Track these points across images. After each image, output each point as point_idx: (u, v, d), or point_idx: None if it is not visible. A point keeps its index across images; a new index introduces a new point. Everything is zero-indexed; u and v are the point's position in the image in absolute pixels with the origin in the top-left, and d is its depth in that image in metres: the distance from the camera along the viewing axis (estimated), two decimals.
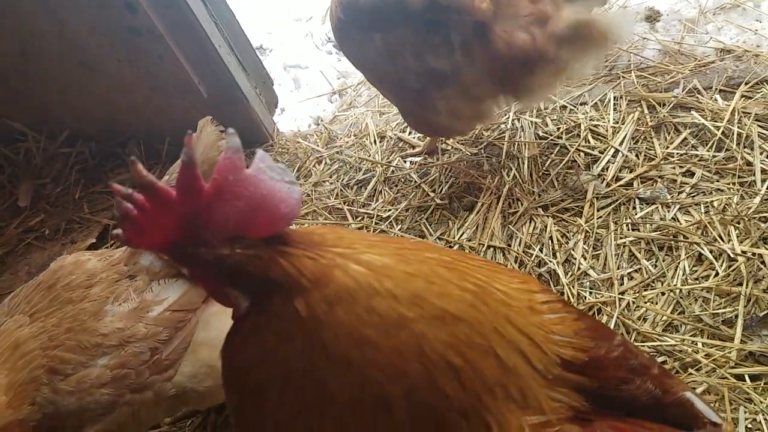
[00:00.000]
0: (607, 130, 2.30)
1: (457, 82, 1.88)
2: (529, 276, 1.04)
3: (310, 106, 2.95)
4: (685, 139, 2.19)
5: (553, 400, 0.80)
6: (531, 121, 2.42)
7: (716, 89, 2.29)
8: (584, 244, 2.01)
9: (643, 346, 1.72)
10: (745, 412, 1.56)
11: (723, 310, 1.75)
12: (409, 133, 2.55)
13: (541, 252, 2.03)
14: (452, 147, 2.46)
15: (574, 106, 2.43)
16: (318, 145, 2.65)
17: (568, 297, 1.89)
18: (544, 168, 2.26)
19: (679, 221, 1.99)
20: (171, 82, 2.37)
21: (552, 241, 2.05)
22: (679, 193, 2.06)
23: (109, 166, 2.74)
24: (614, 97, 2.39)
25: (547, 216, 2.12)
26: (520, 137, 2.38)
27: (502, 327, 0.79)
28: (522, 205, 2.16)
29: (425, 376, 0.73)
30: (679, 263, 1.89)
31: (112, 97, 2.54)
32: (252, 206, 0.76)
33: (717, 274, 1.82)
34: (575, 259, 1.98)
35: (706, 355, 1.66)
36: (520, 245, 2.06)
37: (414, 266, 0.79)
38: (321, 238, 0.80)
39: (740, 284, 1.77)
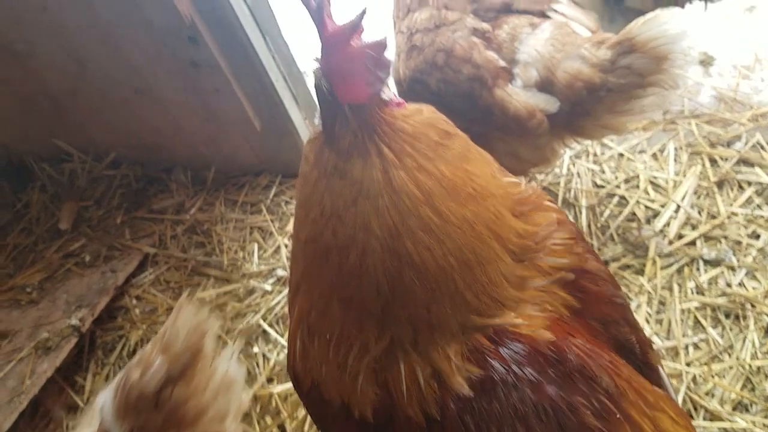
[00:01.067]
0: (667, 183, 2.25)
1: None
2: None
3: None
4: (750, 197, 2.14)
5: (538, 291, 0.90)
6: (588, 168, 2.37)
7: None
8: (647, 306, 1.96)
9: (712, 426, 1.66)
10: None
11: None
12: None
13: None
14: None
15: (632, 154, 2.38)
16: None
17: None
18: (602, 219, 2.21)
19: (745, 287, 1.94)
20: (225, 114, 2.33)
21: None
22: (745, 256, 2.01)
23: (153, 191, 2.70)
24: (674, 148, 2.34)
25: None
26: (576, 184, 2.33)
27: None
28: None
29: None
30: (747, 334, 1.84)
31: (161, 124, 2.50)
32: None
33: None
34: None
35: None
36: None
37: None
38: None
39: None
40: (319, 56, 0.91)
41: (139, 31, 2.09)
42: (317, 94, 0.94)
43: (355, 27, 0.86)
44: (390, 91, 0.94)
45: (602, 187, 2.30)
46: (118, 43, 2.16)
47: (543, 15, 1.86)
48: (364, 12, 0.87)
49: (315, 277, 0.96)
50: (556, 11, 1.86)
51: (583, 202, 2.26)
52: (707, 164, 2.26)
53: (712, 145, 2.31)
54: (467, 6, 1.89)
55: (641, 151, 2.39)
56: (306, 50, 3.27)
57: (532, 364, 0.82)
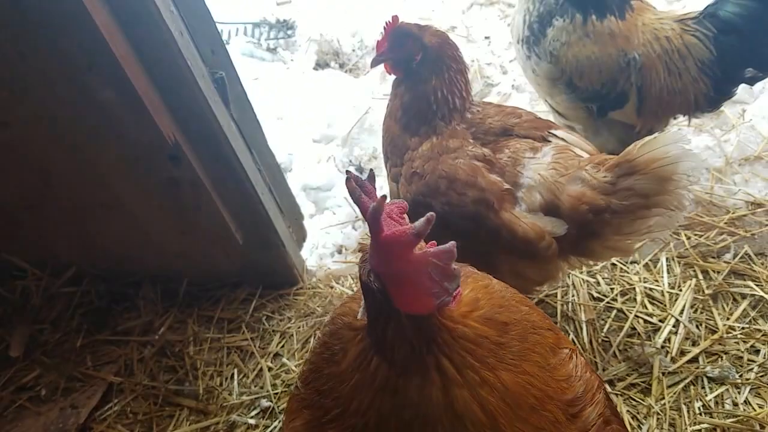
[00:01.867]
0: (663, 295, 2.23)
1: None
2: None
3: (333, 232, 2.81)
4: (745, 310, 2.14)
5: None
6: (583, 279, 2.33)
7: None
8: (658, 429, 1.88)
9: None
10: None
11: None
12: None
13: None
14: None
15: (625, 264, 2.37)
16: (353, 289, 2.47)
17: None
18: (603, 334, 2.15)
19: (752, 406, 1.90)
20: (205, 228, 2.18)
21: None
22: (748, 371, 1.99)
23: (117, 309, 2.47)
24: (666, 259, 2.34)
25: (616, 394, 1.98)
26: (573, 296, 2.29)
27: None
28: None
29: None
30: None
31: (131, 237, 2.32)
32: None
33: None
34: None
35: None
36: None
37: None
38: None
39: None
40: (371, 254, 0.82)
41: (111, 147, 1.95)
42: (364, 289, 0.84)
43: (420, 233, 0.79)
44: (447, 295, 0.84)
45: (599, 300, 2.26)
46: (88, 158, 2.00)
47: (543, 139, 1.85)
48: (431, 219, 0.80)
49: None
50: (555, 135, 1.86)
51: (582, 316, 2.21)
52: (700, 276, 2.26)
53: (704, 257, 2.33)
54: (467, 132, 1.87)
55: (633, 262, 2.38)
56: (283, 140, 3.20)
57: None
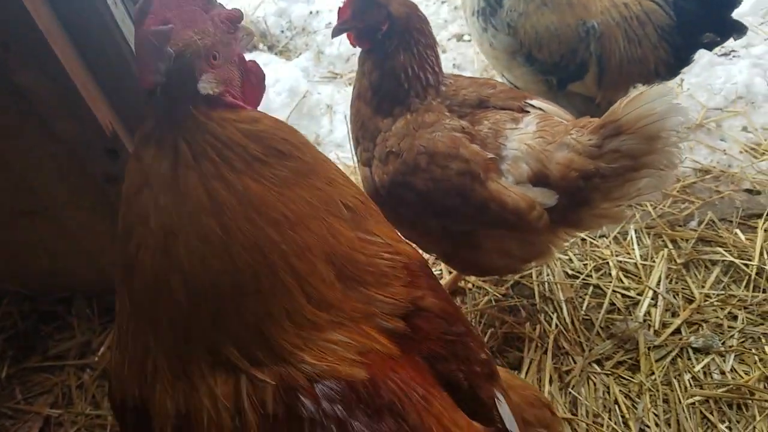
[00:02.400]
0: (637, 267, 2.19)
1: None
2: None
3: None
4: (717, 277, 2.14)
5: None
6: (555, 257, 2.26)
7: (735, 223, 2.29)
8: (653, 408, 1.84)
9: None
10: None
11: None
12: None
13: (611, 420, 1.82)
14: (475, 286, 2.22)
15: (594, 239, 2.32)
16: None
17: None
18: (583, 312, 2.09)
19: (738, 374, 1.89)
20: None
21: (619, 406, 1.85)
22: (729, 338, 1.98)
23: (47, 330, 2.14)
24: (635, 231, 2.31)
25: (606, 374, 1.92)
26: (548, 275, 2.21)
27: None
28: (575, 362, 1.96)
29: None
30: (756, 425, 1.77)
31: (59, 246, 2.01)
32: None
33: None
34: (649, 427, 1.79)
35: None
36: (587, 415, 1.84)
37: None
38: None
39: None
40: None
41: (34, 142, 1.65)
42: None
43: (143, 10, 0.83)
44: (216, 86, 0.89)
45: (575, 277, 2.20)
46: (4, 158, 1.69)
47: (521, 110, 1.74)
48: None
49: (117, 261, 0.92)
50: (533, 106, 1.75)
51: (561, 295, 2.13)
52: (670, 245, 2.25)
53: (671, 226, 2.32)
54: (442, 106, 1.73)
55: (602, 236, 2.33)
56: None
57: (344, 401, 0.82)
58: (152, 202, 0.84)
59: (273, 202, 0.85)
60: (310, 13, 3.79)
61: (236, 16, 0.94)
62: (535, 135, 1.62)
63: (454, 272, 2.15)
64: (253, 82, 0.99)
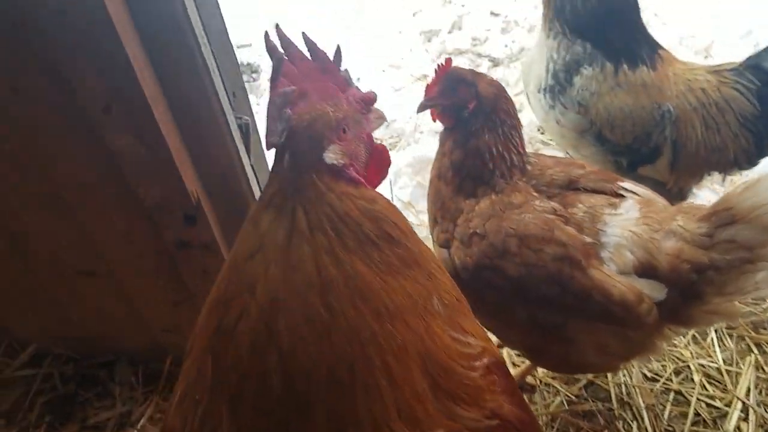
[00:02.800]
0: (721, 374, 2.02)
1: None
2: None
3: None
4: None
5: None
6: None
7: None
8: None
9: None
10: None
11: None
12: None
13: None
14: (542, 382, 2.05)
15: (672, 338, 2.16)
16: None
17: None
18: (665, 423, 1.90)
19: None
20: (206, 297, 1.82)
21: None
22: None
23: (87, 396, 2.02)
24: (715, 331, 2.15)
25: None
26: (624, 376, 2.04)
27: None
28: None
29: None
30: None
31: (111, 308, 1.93)
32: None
33: None
34: None
35: None
36: None
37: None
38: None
39: None
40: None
41: (114, 205, 1.59)
42: None
43: (276, 73, 0.86)
44: (341, 158, 0.88)
45: (654, 380, 2.02)
46: (80, 218, 1.63)
47: (615, 194, 1.65)
48: (280, 60, 0.87)
49: (202, 327, 0.88)
50: (627, 189, 1.66)
51: (640, 401, 1.96)
52: (755, 351, 2.08)
53: (755, 328, 2.15)
54: (528, 186, 1.65)
55: (680, 335, 2.17)
56: None
57: None
58: (263, 269, 0.80)
59: (377, 290, 0.82)
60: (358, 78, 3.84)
61: (371, 98, 0.95)
62: (639, 222, 1.52)
63: (525, 364, 2.00)
64: (378, 163, 0.98)
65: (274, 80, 0.86)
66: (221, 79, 1.44)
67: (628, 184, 1.68)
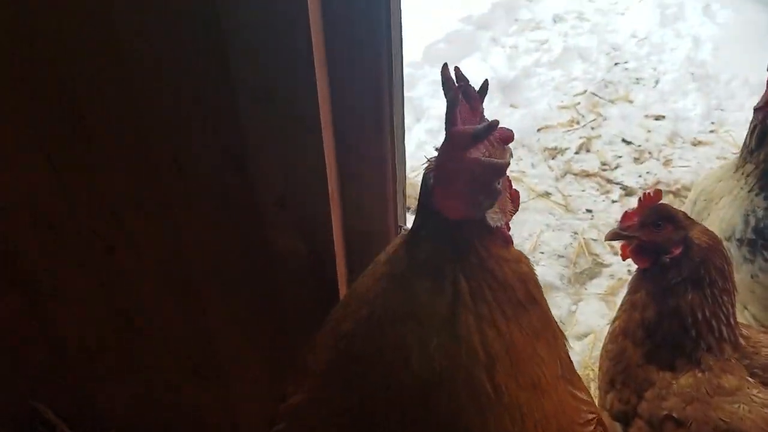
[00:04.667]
0: None
1: None
2: None
3: None
4: None
5: None
6: None
7: None
8: None
9: None
10: None
11: None
12: None
13: None
14: None
15: None
16: None
17: None
18: None
19: None
20: None
21: None
22: None
23: None
24: None
25: None
26: None
27: None
28: None
29: None
30: None
31: (207, 407, 1.71)
32: None
33: None
34: None
35: None
36: None
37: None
38: None
39: None
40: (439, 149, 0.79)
41: (257, 311, 1.41)
42: (421, 185, 0.82)
43: (479, 136, 0.76)
44: (500, 218, 0.82)
45: None
46: (213, 322, 1.46)
47: None
48: (495, 124, 0.76)
49: (332, 377, 0.86)
50: None
51: None
52: None
53: None
54: (742, 367, 1.35)
55: None
56: None
57: None
58: (417, 339, 0.78)
59: (530, 359, 0.81)
60: None
61: (509, 136, 0.84)
62: None
63: None
64: (512, 211, 0.90)
65: (452, 122, 0.77)
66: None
67: None
